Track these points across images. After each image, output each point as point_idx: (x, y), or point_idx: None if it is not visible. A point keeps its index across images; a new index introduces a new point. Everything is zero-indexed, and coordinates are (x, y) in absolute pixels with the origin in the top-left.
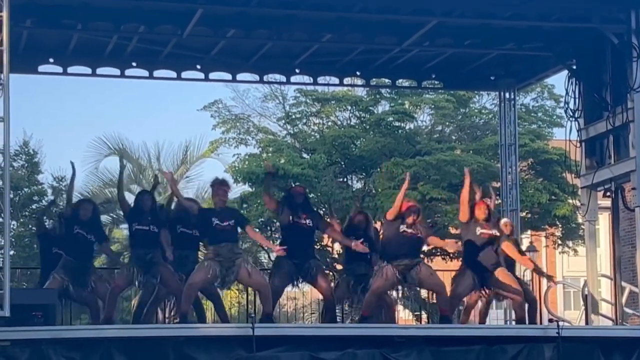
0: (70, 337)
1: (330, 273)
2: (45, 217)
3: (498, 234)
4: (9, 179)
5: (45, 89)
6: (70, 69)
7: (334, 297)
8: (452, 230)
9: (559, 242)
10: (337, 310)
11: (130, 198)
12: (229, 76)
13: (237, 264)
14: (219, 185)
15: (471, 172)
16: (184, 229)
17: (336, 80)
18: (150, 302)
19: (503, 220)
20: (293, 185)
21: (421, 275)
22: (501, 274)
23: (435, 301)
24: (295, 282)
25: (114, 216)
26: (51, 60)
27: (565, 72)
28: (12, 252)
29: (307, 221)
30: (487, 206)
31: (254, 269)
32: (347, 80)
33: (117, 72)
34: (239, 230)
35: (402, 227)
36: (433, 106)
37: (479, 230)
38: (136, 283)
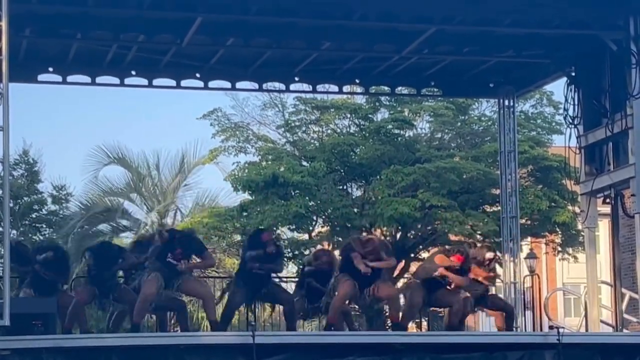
0: (70, 346)
1: None
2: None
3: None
4: (9, 187)
5: (45, 98)
6: (69, 78)
7: (294, 305)
8: (452, 237)
9: (559, 248)
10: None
11: (129, 206)
12: (228, 84)
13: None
14: None
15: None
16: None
17: (335, 88)
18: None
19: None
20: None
21: (378, 293)
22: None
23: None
24: (252, 304)
25: (114, 225)
26: (51, 69)
27: (564, 79)
28: None
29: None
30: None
31: (196, 281)
32: (346, 88)
33: (116, 80)
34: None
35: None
36: (432, 113)
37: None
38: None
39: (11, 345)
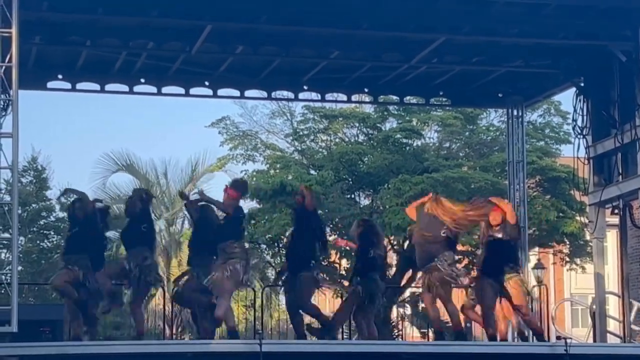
0: (77, 353)
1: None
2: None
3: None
4: (18, 194)
5: (54, 105)
6: (79, 85)
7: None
8: (460, 247)
9: (567, 259)
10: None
11: None
12: (237, 93)
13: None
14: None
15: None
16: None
17: (344, 97)
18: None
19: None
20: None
21: (432, 278)
22: (513, 283)
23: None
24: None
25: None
26: (60, 76)
27: (572, 89)
28: (19, 268)
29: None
30: (502, 213)
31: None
32: (355, 97)
33: (125, 88)
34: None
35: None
36: (440, 123)
37: (490, 233)
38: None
39: (19, 352)
